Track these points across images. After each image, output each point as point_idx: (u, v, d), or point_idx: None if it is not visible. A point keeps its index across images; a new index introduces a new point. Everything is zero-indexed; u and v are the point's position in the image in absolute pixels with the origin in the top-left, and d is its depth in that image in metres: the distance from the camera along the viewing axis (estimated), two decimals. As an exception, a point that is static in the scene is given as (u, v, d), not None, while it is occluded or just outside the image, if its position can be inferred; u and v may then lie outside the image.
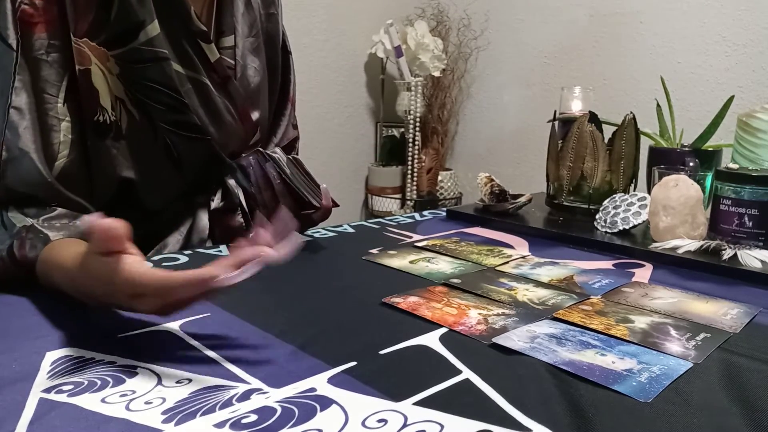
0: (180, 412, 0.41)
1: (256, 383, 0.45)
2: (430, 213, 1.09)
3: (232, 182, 0.82)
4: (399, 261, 0.77)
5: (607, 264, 0.79)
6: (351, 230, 0.94)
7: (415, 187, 2.31)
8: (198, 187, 0.83)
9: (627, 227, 0.88)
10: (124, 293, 0.49)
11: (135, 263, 0.48)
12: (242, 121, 0.84)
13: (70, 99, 0.70)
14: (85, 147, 0.72)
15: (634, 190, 1.01)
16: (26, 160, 0.66)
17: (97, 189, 0.74)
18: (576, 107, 1.11)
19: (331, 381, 0.45)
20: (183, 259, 0.75)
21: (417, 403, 0.42)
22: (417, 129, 2.26)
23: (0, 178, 0.66)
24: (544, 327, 0.56)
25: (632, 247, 0.83)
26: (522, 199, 1.01)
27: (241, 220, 0.81)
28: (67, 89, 0.70)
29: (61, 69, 0.69)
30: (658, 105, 1.11)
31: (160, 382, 0.45)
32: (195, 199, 0.84)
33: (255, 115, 0.87)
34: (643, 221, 0.87)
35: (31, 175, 0.66)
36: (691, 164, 0.97)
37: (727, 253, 0.76)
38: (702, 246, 0.78)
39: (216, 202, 0.82)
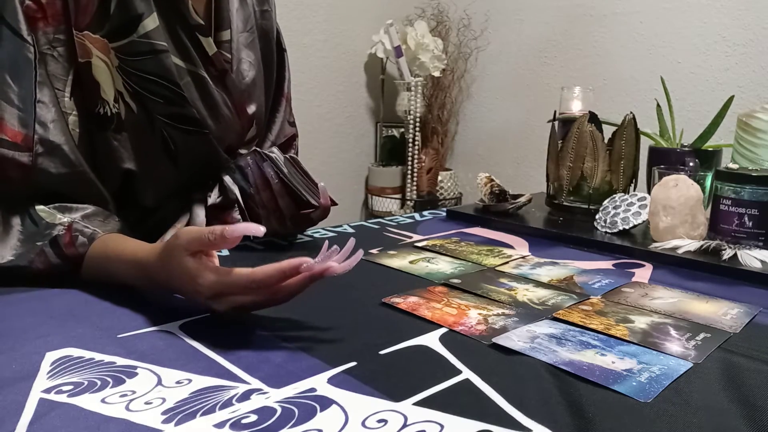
0: (180, 412, 0.41)
1: (256, 383, 0.45)
2: (430, 213, 1.09)
3: (228, 179, 0.82)
4: (399, 261, 0.77)
5: (607, 264, 0.79)
6: (351, 230, 0.94)
7: (415, 188, 2.31)
8: (195, 183, 0.83)
9: (627, 227, 0.88)
10: (205, 294, 0.53)
11: (219, 267, 0.53)
12: (238, 115, 0.84)
13: (75, 93, 0.71)
14: (90, 140, 0.72)
15: (634, 190, 1.01)
16: (59, 152, 0.68)
17: (103, 182, 0.74)
18: (576, 107, 1.11)
19: (331, 381, 0.45)
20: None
21: (417, 403, 0.42)
22: (417, 129, 2.26)
23: (33, 172, 0.67)
24: (544, 327, 0.56)
25: (632, 247, 0.83)
26: (522, 199, 1.01)
27: (238, 216, 0.81)
28: (73, 83, 0.70)
29: (67, 63, 0.70)
30: (658, 105, 1.11)
31: (160, 382, 0.45)
32: (192, 196, 0.84)
33: (251, 109, 0.87)
34: (643, 221, 0.87)
35: (65, 167, 0.68)
36: (691, 164, 0.97)
37: (727, 253, 0.76)
38: (702, 246, 0.78)
39: (213, 198, 0.82)
